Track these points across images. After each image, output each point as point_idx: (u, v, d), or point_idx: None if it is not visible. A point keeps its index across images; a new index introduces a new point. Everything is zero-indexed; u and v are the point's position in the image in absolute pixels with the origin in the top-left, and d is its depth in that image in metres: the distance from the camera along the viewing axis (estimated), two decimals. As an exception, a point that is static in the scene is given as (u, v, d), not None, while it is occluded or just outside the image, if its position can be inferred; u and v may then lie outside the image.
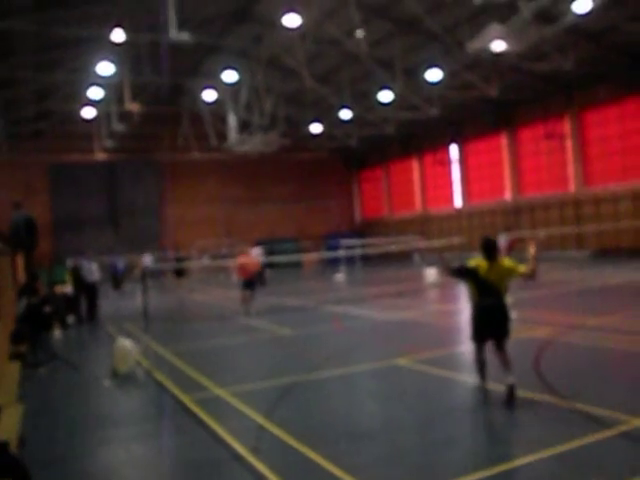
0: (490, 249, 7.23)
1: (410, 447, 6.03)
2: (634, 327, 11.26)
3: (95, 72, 26.82)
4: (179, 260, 29.61)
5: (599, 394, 7.11)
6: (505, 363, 7.12)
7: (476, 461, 5.46)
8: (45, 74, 29.28)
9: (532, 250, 7.30)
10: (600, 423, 6.05)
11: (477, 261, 7.27)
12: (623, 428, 5.85)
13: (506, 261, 7.30)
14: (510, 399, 6.86)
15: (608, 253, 29.70)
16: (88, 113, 33.90)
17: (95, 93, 30.07)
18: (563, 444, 5.54)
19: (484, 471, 5.13)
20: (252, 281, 17.42)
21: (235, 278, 18.23)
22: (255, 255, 26.04)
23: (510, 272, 7.20)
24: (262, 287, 26.00)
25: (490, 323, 7.23)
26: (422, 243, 32.46)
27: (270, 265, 31.80)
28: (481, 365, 7.45)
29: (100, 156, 41.46)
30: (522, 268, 7.21)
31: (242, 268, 17.43)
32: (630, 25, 23.78)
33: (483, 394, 7.37)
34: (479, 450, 5.79)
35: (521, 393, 7.21)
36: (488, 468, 5.18)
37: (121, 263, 31.32)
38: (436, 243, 30.84)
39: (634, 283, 18.72)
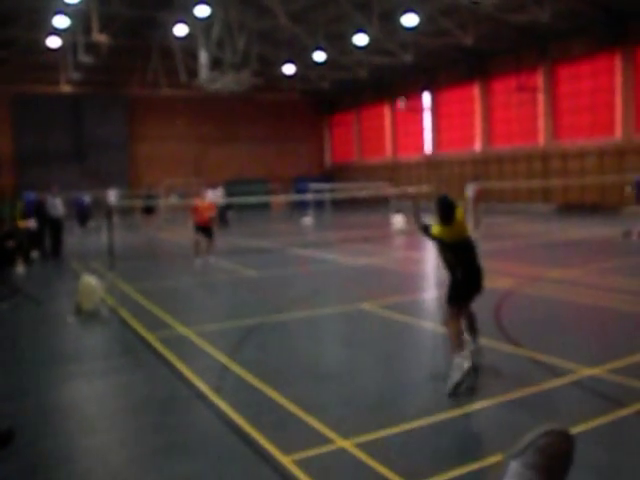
0: (449, 211, 6.19)
1: (370, 389, 6.21)
2: (593, 280, 11.59)
3: (61, -1, 25.76)
4: (148, 197, 29.13)
5: (555, 344, 7.36)
6: (474, 319, 6.60)
7: (433, 404, 5.65)
8: (8, -1, 28.05)
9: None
10: (554, 372, 6.30)
11: (436, 229, 6.34)
12: (575, 377, 6.10)
13: (459, 214, 6.32)
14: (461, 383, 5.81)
15: (573, 208, 30.21)
16: (53, 42, 32.64)
17: (61, 21, 28.84)
18: (518, 391, 5.77)
19: (441, 414, 5.32)
20: (207, 227, 15.81)
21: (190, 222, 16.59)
22: (215, 196, 25.69)
23: (465, 224, 6.55)
24: (224, 228, 25.96)
25: (477, 287, 6.37)
26: (391, 190, 32.55)
27: (237, 206, 31.64)
28: (460, 336, 6.18)
29: (66, 88, 40.20)
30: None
31: (194, 212, 15.98)
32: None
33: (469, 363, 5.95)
34: (436, 394, 5.98)
35: (482, 341, 7.42)
36: (445, 411, 5.38)
37: (86, 199, 30.79)
38: (406, 190, 31.00)
39: (596, 238, 19.16)
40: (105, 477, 4.56)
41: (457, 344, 6.02)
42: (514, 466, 1.33)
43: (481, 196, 21.53)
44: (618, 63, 28.64)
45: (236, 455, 4.72)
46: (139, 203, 30.11)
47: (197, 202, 16.40)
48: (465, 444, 4.94)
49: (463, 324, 6.38)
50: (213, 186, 29.99)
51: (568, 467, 1.38)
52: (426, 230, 6.55)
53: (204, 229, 15.79)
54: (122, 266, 15.25)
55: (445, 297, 6.39)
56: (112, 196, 32.85)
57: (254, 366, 6.77)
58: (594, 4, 27.23)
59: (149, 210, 27.78)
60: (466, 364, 5.81)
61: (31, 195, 18.51)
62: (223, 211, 27.25)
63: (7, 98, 38.95)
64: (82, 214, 29.76)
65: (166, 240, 23.72)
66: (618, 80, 28.68)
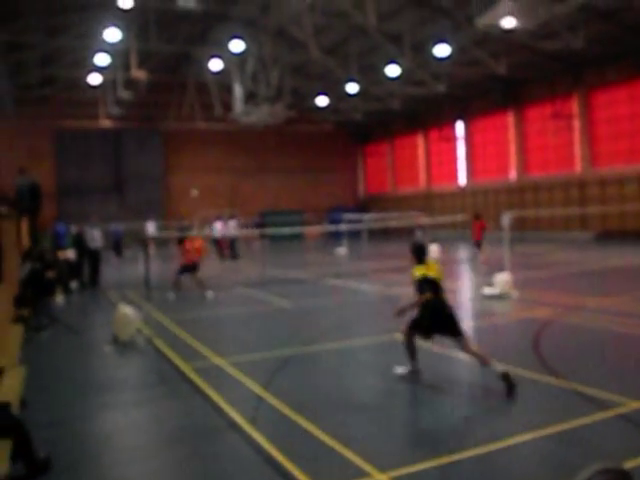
0: (422, 253, 7.31)
1: (406, 421, 6.10)
2: (635, 310, 11.29)
3: (102, 38, 26.63)
4: (182, 229, 29.41)
5: (597, 375, 7.15)
6: (482, 358, 6.91)
7: (473, 437, 5.52)
8: (52, 39, 29.07)
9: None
10: (597, 404, 6.10)
11: (420, 269, 7.19)
12: (620, 410, 5.90)
13: (432, 260, 7.46)
14: (510, 388, 6.52)
15: (612, 235, 29.64)
16: (94, 79, 33.73)
17: (101, 59, 29.87)
18: (561, 423, 5.59)
19: (483, 447, 5.18)
20: (192, 265, 15.66)
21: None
22: (230, 227, 26.99)
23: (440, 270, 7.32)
24: (234, 260, 26.02)
25: (440, 320, 7.09)
26: (425, 220, 32.39)
27: (271, 237, 31.81)
28: (412, 350, 7.41)
29: (105, 123, 41.30)
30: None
31: (184, 253, 15.79)
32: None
33: (415, 375, 7.38)
34: (476, 426, 5.85)
35: (520, 372, 7.26)
36: (486, 444, 5.23)
37: (120, 229, 31.30)
38: (439, 220, 30.81)
39: (636, 266, 18.72)
40: (140, 508, 4.53)
41: (410, 355, 7.43)
42: None
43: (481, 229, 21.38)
44: (655, 88, 28.29)
45: (271, 487, 4.65)
46: (174, 234, 30.45)
47: (187, 244, 15.79)
48: (508, 479, 4.79)
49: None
50: (231, 217, 30.17)
51: None
52: (424, 283, 7.09)
53: (191, 267, 15.65)
54: (158, 296, 15.39)
55: (409, 323, 7.30)
56: (151, 227, 33.30)
57: (288, 397, 6.72)
58: (629, 30, 27.02)
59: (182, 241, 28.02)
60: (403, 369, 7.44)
61: (62, 226, 18.80)
62: (233, 243, 27.16)
63: (50, 133, 40.20)
64: (117, 244, 30.25)
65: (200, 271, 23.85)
66: (656, 105, 28.30)
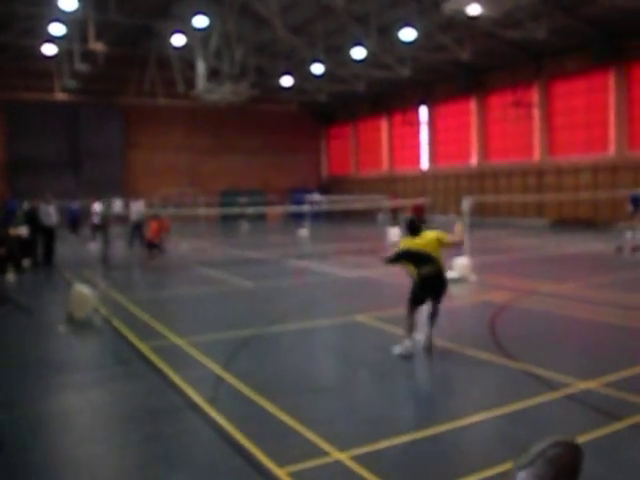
0: (414, 227, 7.80)
1: (365, 401, 6.16)
2: (587, 294, 11.58)
3: (57, 6, 25.71)
4: (150, 207, 28.75)
5: (549, 357, 7.33)
6: (435, 314, 7.74)
7: (429, 417, 5.62)
8: (3, 4, 27.98)
9: (460, 227, 8.56)
10: (548, 385, 6.26)
11: (404, 242, 7.88)
12: (568, 390, 6.07)
13: (429, 233, 7.80)
14: (429, 347, 7.59)
15: (567, 223, 30.30)
16: (48, 50, 32.64)
17: (56, 29, 28.81)
18: (514, 403, 5.73)
19: (437, 427, 5.27)
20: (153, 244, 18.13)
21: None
22: (135, 209, 22.31)
23: (438, 241, 7.69)
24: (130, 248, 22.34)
25: (432, 290, 7.66)
26: (387, 203, 32.60)
27: (231, 217, 31.50)
28: (411, 326, 7.69)
29: (61, 96, 40.19)
30: (448, 238, 7.84)
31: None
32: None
33: (412, 344, 7.60)
34: (433, 407, 5.94)
35: (476, 354, 7.41)
36: (441, 424, 5.32)
37: (77, 206, 30.63)
38: (402, 203, 31.04)
39: (589, 253, 19.20)
40: (96, 488, 4.48)
41: (408, 330, 7.63)
42: (523, 476, 1.30)
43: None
44: (612, 80, 28.88)
45: (230, 467, 4.65)
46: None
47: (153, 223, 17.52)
48: (461, 457, 4.89)
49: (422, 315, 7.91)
50: (135, 197, 27.07)
51: (576, 478, 1.35)
52: (397, 256, 7.81)
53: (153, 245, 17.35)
54: (117, 275, 15.17)
55: (408, 297, 7.71)
56: (117, 206, 32.68)
57: (249, 377, 6.70)
58: (589, 22, 27.46)
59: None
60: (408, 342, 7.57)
61: (14, 202, 18.33)
62: (135, 228, 21.84)
63: (0, 104, 38.81)
64: (73, 222, 29.66)
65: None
66: (612, 97, 28.89)
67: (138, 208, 21.93)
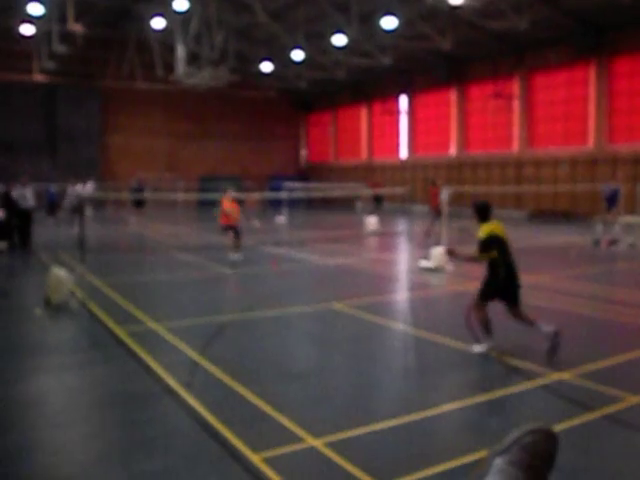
0: (488, 211, 7.09)
1: (341, 388, 6.20)
2: (563, 286, 11.73)
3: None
4: (138, 190, 28.37)
5: (524, 348, 7.43)
6: (530, 321, 6.97)
7: (404, 405, 5.67)
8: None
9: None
10: (523, 375, 6.35)
11: (487, 227, 7.00)
12: (544, 381, 6.16)
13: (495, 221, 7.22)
14: (554, 347, 6.70)
15: (545, 215, 30.59)
16: (26, 30, 32.06)
17: (34, 9, 28.30)
18: (488, 393, 5.80)
19: (411, 415, 5.33)
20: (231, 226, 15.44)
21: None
22: (84, 190, 23.97)
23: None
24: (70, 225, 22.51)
25: (514, 285, 6.95)
26: (366, 191, 32.65)
27: (210, 202, 31.27)
28: (487, 323, 7.02)
29: (39, 78, 39.51)
30: None
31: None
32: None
33: (494, 343, 7.03)
34: (408, 394, 6.00)
35: (451, 343, 7.48)
36: (415, 412, 5.38)
37: (54, 189, 30.20)
38: (382, 191, 31.11)
39: (566, 245, 19.42)
40: (70, 473, 4.47)
41: (485, 331, 6.91)
42: (498, 463, 1.32)
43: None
44: (592, 73, 29.10)
45: (205, 452, 4.66)
46: (125, 196, 29.49)
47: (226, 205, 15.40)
48: (434, 445, 4.95)
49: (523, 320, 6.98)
50: (84, 180, 27.23)
51: (551, 465, 1.37)
52: (490, 245, 6.85)
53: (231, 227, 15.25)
54: (94, 259, 15.03)
55: (479, 294, 6.98)
56: (90, 188, 32.38)
57: (225, 363, 6.71)
58: (571, 15, 27.60)
59: (140, 203, 27.17)
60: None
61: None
62: (74, 211, 21.88)
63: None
64: (51, 205, 29.29)
65: (138, 235, 23.43)
66: (592, 90, 29.13)
67: (79, 191, 21.60)
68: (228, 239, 15.21)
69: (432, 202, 20.62)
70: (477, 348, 7.01)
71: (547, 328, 6.73)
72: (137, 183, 29.54)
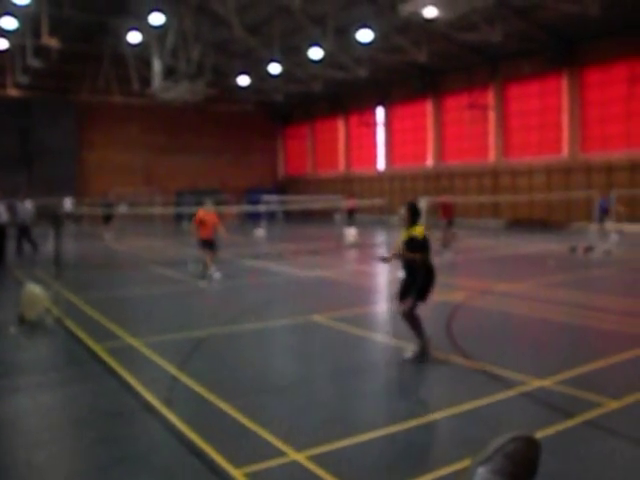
0: (418, 213, 7.46)
1: (323, 401, 6.16)
2: (541, 294, 11.82)
3: (9, 0, 25.05)
4: (107, 206, 28.62)
5: (503, 356, 7.46)
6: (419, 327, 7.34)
7: (386, 416, 5.64)
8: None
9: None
10: (503, 383, 6.36)
11: (416, 230, 7.31)
12: (523, 388, 6.18)
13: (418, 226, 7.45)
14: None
15: (521, 223, 30.89)
16: (0, 44, 31.79)
17: (8, 23, 28.08)
18: (470, 402, 5.80)
19: (393, 426, 5.30)
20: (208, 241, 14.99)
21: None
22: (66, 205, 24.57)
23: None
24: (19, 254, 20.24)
25: (432, 284, 7.39)
26: (344, 203, 32.70)
27: (187, 216, 31.15)
28: (419, 324, 7.32)
29: (13, 92, 39.12)
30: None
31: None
32: (557, 4, 24.33)
33: (428, 350, 7.31)
34: (389, 406, 5.98)
35: (433, 353, 7.47)
36: (397, 423, 5.36)
37: (28, 205, 29.76)
38: (361, 203, 31.17)
39: (542, 253, 19.60)
40: (47, 493, 4.36)
41: (419, 332, 7.18)
42: (481, 472, 1.30)
43: (448, 211, 20.52)
44: (565, 84, 29.56)
45: (186, 468, 4.59)
46: (97, 211, 29.52)
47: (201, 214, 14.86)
48: (418, 456, 4.93)
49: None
50: (22, 198, 21.68)
51: (534, 473, 1.36)
52: (422, 246, 7.20)
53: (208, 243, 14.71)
54: (70, 275, 14.84)
55: (412, 297, 7.20)
56: (68, 204, 32.13)
57: (204, 378, 6.63)
58: (543, 27, 28.05)
59: (108, 218, 27.39)
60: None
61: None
62: (22, 231, 20.16)
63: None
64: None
65: (114, 250, 23.21)
66: (565, 100, 29.57)
67: (25, 209, 20.31)
68: (205, 253, 14.98)
69: (443, 212, 20.62)
70: (407, 354, 7.25)
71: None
72: (104, 199, 29.97)
